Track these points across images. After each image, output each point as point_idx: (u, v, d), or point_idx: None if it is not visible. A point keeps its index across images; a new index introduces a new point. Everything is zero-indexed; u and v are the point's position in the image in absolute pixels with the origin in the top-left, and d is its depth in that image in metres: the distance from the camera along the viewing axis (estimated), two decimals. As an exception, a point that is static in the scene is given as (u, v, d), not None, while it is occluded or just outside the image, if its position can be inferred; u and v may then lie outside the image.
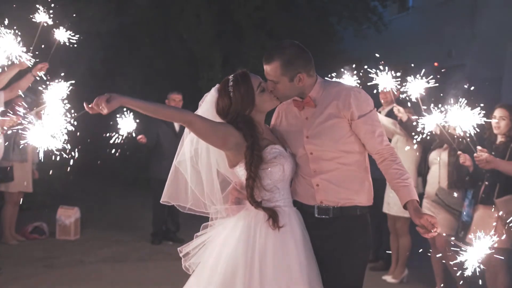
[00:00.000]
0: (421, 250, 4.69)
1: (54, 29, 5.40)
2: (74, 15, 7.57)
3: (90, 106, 2.45)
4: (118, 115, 6.67)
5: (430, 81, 4.59)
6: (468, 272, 2.62)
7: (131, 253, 7.16)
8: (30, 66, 5.30)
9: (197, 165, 2.87)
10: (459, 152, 4.82)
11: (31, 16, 5.32)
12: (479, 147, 4.47)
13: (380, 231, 6.58)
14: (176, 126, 7.46)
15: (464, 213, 5.00)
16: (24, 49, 4.94)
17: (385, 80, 5.18)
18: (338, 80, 4.94)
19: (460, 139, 4.81)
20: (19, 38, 4.88)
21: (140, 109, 2.55)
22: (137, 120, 6.77)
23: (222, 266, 2.71)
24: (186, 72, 12.93)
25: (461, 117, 4.11)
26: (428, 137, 5.01)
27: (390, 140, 5.82)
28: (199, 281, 2.79)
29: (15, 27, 4.86)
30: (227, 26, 13.05)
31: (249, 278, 2.64)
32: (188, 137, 2.92)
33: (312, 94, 2.88)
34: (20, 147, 7.00)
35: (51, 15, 5.44)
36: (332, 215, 2.83)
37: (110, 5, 11.08)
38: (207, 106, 2.88)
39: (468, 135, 4.16)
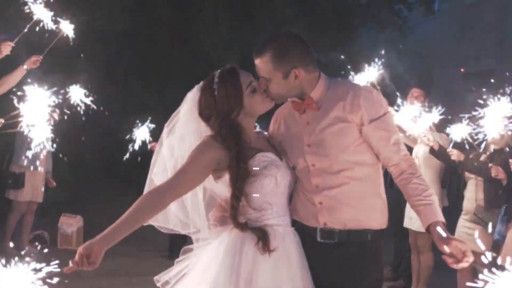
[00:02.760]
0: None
1: (55, 19, 5.12)
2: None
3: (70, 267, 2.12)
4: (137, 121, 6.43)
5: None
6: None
7: (134, 267, 6.74)
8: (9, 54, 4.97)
9: None
10: (490, 165, 4.37)
11: (25, 8, 5.02)
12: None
13: (401, 248, 6.10)
14: None
15: (496, 231, 4.50)
16: None
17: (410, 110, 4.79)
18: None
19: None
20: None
21: (121, 237, 2.17)
22: (151, 125, 6.49)
23: None
24: (205, 73, 12.59)
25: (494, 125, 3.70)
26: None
27: (411, 150, 5.38)
28: None
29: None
30: (246, 28, 12.71)
31: None
32: (166, 142, 2.50)
33: (314, 95, 2.42)
34: (31, 153, 6.73)
35: (51, 11, 5.15)
36: (337, 240, 2.36)
37: (124, 3, 10.78)
38: (189, 106, 2.46)
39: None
